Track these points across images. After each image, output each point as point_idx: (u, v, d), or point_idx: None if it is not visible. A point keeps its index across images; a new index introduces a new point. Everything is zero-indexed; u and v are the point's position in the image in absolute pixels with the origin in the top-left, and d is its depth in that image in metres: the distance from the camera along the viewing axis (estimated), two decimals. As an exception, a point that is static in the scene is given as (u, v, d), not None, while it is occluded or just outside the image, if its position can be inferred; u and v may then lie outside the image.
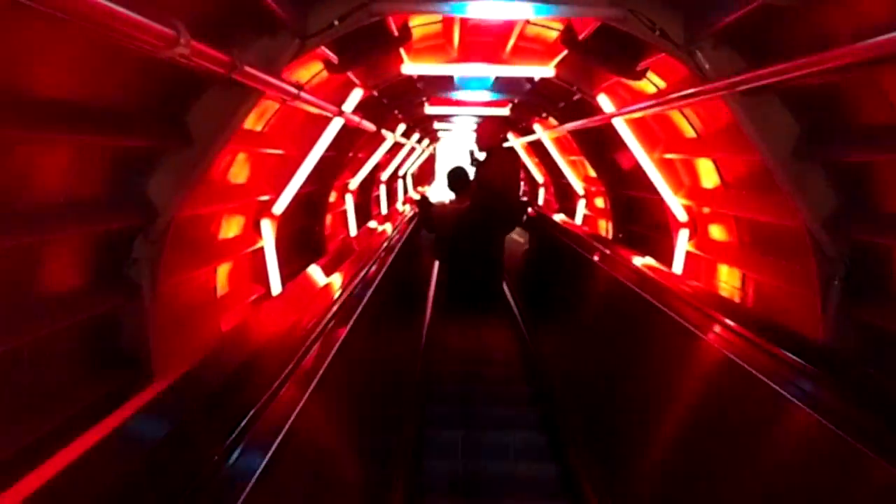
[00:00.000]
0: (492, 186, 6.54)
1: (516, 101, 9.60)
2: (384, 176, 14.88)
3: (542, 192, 15.48)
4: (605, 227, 10.21)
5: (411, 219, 7.78)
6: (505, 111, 11.27)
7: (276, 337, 2.32)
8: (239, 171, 5.67)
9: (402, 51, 5.90)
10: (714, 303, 3.08)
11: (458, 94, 9.12)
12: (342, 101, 6.26)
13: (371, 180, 13.22)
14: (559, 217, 7.95)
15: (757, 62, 3.42)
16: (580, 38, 4.77)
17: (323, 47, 4.33)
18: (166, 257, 3.75)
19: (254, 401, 1.69)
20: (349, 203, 11.10)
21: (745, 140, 3.83)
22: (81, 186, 3.15)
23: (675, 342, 3.25)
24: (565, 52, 5.76)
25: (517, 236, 10.66)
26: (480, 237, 6.57)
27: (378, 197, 14.91)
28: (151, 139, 3.52)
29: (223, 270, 5.80)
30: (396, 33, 4.78)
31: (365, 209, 12.93)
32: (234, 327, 4.38)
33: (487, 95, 9.17)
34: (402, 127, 11.44)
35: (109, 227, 3.37)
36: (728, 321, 2.70)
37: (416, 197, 9.11)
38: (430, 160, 24.53)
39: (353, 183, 11.07)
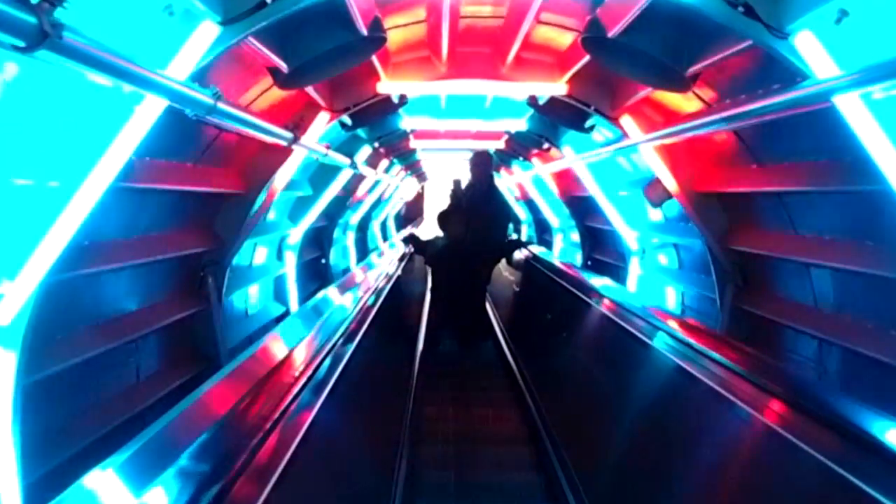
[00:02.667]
0: (473, 224, 6.45)
1: (513, 131, 8.41)
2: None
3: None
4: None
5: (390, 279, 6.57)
6: (499, 144, 10.11)
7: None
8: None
9: (376, 62, 4.68)
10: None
11: (445, 124, 7.91)
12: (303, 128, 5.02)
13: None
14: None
15: None
16: (609, 32, 3.56)
17: (256, 43, 3.09)
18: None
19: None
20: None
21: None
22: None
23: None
24: (584, 60, 4.56)
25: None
26: (465, 270, 6.59)
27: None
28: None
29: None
30: (366, 31, 3.55)
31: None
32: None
33: (480, 125, 7.98)
34: (384, 163, 10.22)
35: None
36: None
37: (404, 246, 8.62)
38: (418, 199, 23.41)
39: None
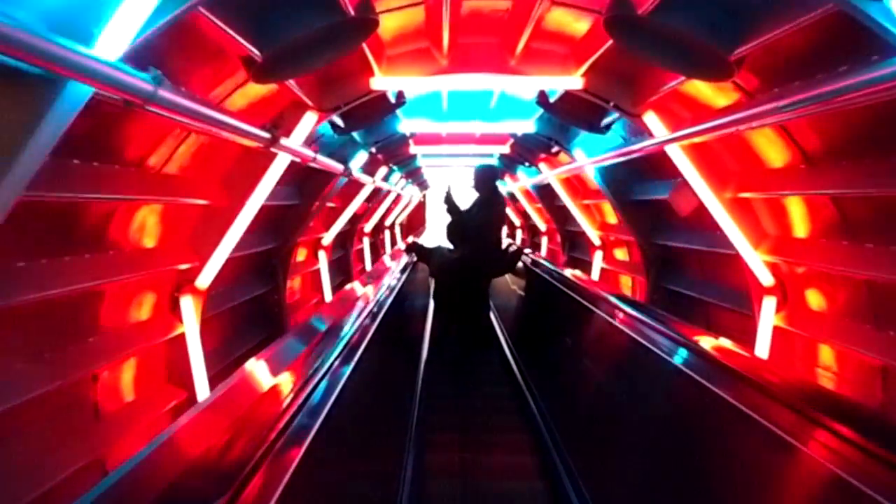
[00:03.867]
0: (478, 233, 6.33)
1: (519, 134, 7.86)
2: (368, 227, 13.06)
3: (544, 241, 13.75)
4: (629, 285, 8.40)
5: (402, 271, 6.13)
6: (504, 148, 9.57)
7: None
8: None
9: (368, 54, 4.14)
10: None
11: (447, 127, 7.37)
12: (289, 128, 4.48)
13: (351, 233, 11.40)
14: (570, 273, 6.11)
15: None
16: (645, 7, 3.00)
17: (223, 25, 2.55)
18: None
19: None
20: (322, 262, 9.24)
21: None
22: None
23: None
24: (603, 48, 4.02)
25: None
26: (467, 280, 6.49)
27: (361, 251, 13.02)
28: None
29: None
30: (352, 10, 3.00)
31: (345, 266, 11.10)
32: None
33: (484, 127, 7.44)
34: (383, 170, 9.66)
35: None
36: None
37: (403, 246, 8.71)
38: (420, 208, 22.89)
39: (327, 238, 9.24)
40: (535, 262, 7.00)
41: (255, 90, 4.00)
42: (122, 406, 4.09)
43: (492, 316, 8.28)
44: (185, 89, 3.14)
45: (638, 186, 6.47)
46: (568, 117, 5.72)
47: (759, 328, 4.62)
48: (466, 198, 6.74)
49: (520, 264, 7.65)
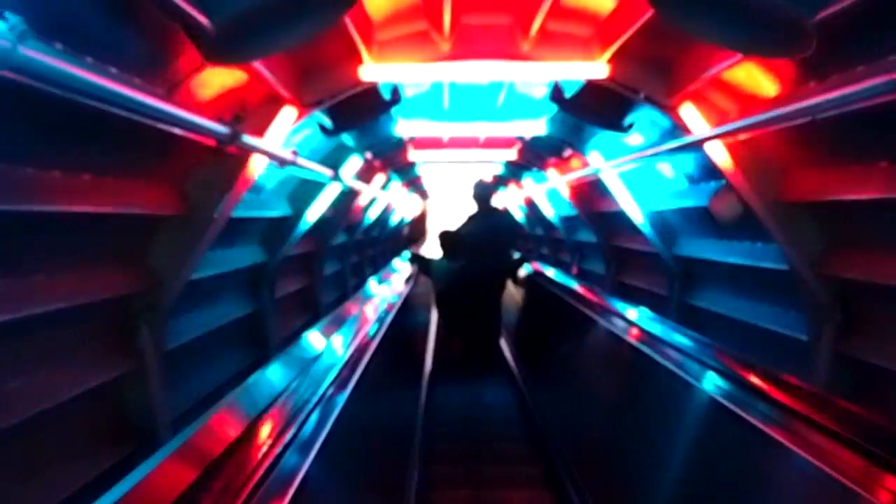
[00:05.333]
0: (478, 244, 6.13)
1: (528, 137, 7.18)
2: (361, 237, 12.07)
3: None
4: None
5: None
6: (510, 154, 8.89)
7: None
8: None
9: (356, 37, 3.46)
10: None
11: (448, 129, 6.70)
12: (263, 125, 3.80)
13: (347, 245, 10.60)
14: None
15: None
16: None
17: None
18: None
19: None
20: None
21: None
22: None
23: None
24: (635, 27, 3.34)
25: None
26: (472, 292, 6.26)
27: (359, 265, 12.06)
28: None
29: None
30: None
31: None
32: None
33: (489, 129, 6.77)
34: (380, 178, 8.99)
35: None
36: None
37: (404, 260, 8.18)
38: (421, 219, 22.24)
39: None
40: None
41: (219, 79, 3.32)
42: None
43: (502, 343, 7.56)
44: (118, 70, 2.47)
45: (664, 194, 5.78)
46: (586, 114, 5.05)
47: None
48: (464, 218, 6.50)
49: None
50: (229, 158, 3.72)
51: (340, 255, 10.39)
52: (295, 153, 4.02)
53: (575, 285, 5.35)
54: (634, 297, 7.94)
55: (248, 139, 3.13)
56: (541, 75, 4.10)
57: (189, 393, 4.44)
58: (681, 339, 3.16)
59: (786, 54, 2.82)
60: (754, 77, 3.57)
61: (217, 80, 3.34)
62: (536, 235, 14.16)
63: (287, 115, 3.86)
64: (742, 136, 3.68)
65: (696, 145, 3.89)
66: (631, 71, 3.90)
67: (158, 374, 3.95)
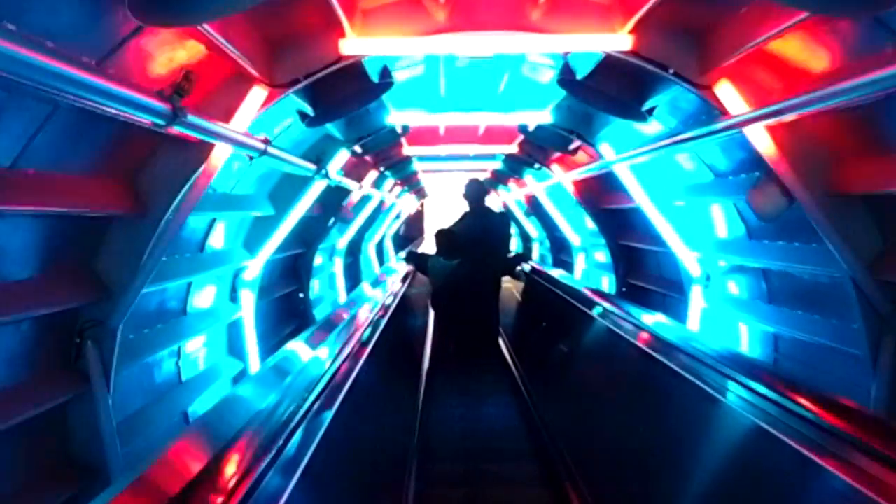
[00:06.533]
0: (473, 242, 6.12)
1: (532, 127, 6.60)
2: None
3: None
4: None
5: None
6: (511, 148, 8.33)
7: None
8: None
9: (336, 4, 2.90)
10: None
11: (445, 118, 6.15)
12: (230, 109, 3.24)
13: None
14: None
15: None
16: None
17: None
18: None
19: None
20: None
21: None
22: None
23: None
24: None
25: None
26: (469, 290, 6.17)
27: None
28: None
29: None
30: None
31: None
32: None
33: (490, 119, 6.22)
34: (372, 175, 8.42)
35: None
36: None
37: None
38: (418, 218, 21.73)
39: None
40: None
41: (168, 52, 2.76)
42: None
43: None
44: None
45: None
46: (599, 99, 4.47)
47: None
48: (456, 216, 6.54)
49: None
50: (187, 148, 3.16)
51: (331, 257, 9.84)
52: (267, 141, 3.45)
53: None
54: (646, 301, 7.38)
55: (198, 120, 2.56)
56: (552, 48, 3.54)
57: (145, 421, 3.87)
58: (711, 350, 2.61)
59: (864, 11, 2.26)
60: (806, 49, 3.01)
61: (165, 53, 2.77)
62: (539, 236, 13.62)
63: (256, 96, 3.29)
64: (789, 117, 3.12)
65: (736, 128, 3.32)
66: (658, 43, 3.33)
67: (107, 401, 3.38)
